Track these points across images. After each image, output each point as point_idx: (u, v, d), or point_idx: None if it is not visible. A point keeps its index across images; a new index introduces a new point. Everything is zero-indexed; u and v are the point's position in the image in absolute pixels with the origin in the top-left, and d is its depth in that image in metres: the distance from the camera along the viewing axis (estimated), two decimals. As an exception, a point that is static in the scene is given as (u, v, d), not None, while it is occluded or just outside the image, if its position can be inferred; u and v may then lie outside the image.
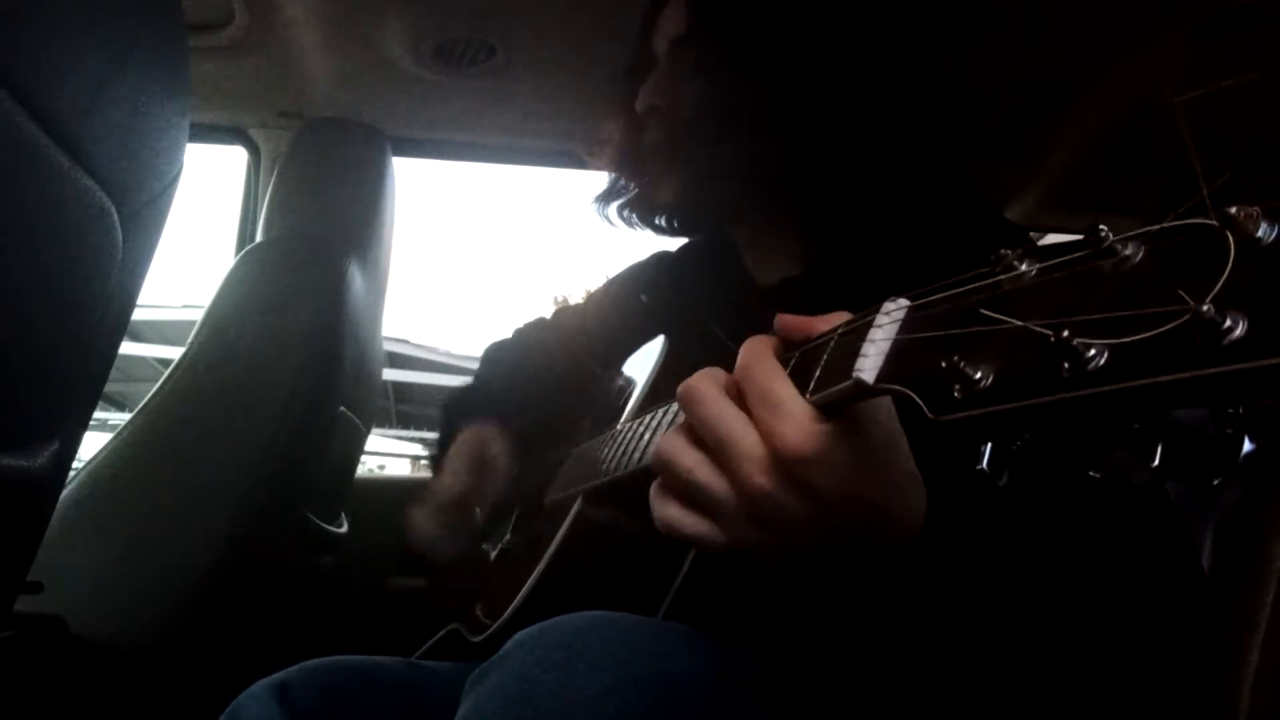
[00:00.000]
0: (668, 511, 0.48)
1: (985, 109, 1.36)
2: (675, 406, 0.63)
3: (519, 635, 0.54)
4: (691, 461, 0.46)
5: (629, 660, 0.52)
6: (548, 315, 1.18)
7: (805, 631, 0.62)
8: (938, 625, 0.51)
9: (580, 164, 1.66)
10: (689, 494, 0.47)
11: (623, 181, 0.91)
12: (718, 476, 0.45)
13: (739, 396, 0.45)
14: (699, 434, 0.46)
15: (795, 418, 0.42)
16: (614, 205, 0.91)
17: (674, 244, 0.99)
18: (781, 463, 0.42)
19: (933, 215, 0.72)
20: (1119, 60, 1.23)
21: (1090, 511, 0.52)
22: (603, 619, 0.55)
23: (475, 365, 1.20)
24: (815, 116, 0.73)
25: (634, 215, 0.90)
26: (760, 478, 0.43)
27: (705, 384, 0.47)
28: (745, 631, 0.60)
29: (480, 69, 1.31)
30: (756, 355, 0.45)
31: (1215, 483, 0.32)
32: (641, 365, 0.87)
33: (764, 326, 0.50)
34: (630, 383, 0.87)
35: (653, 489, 0.49)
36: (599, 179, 0.94)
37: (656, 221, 0.89)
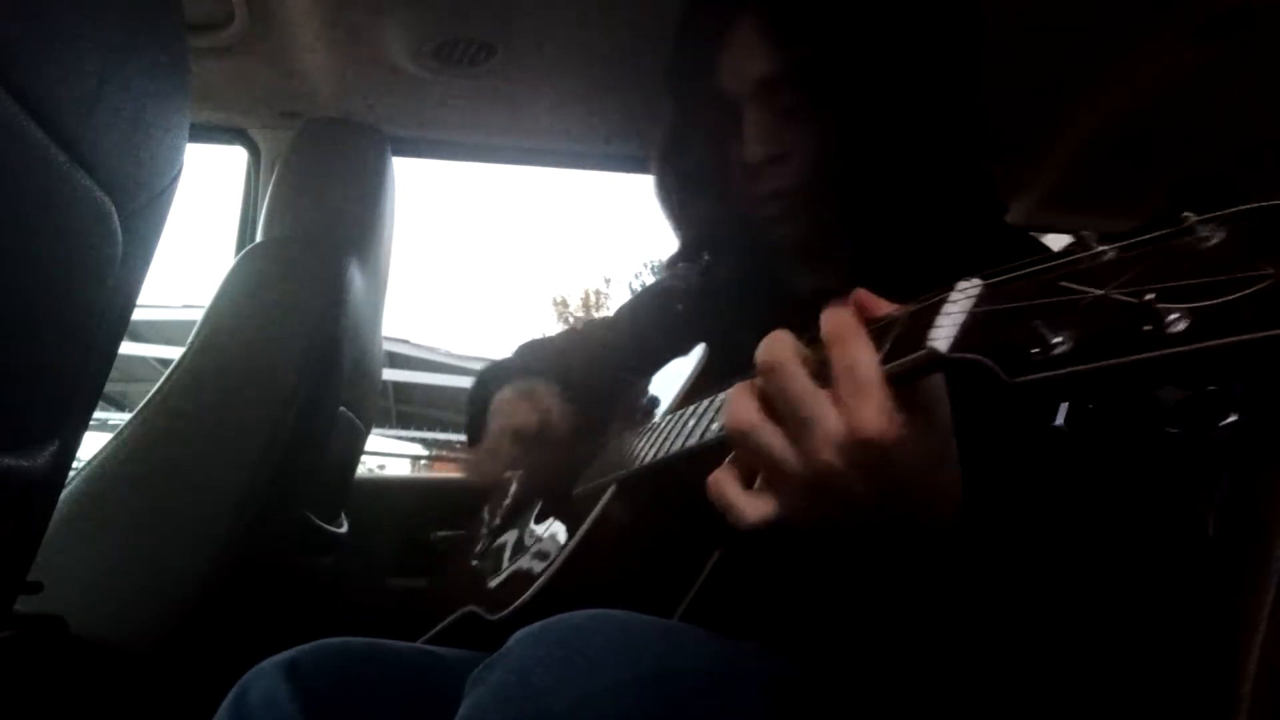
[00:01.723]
0: (726, 480, 0.47)
1: (985, 109, 1.36)
2: (719, 399, 0.63)
3: (520, 633, 0.54)
4: (769, 435, 0.45)
5: (630, 658, 0.52)
6: (579, 326, 1.19)
7: (820, 635, 0.62)
8: (962, 608, 0.51)
9: (580, 164, 1.66)
10: (758, 463, 0.46)
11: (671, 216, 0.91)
12: (791, 450, 0.44)
13: (818, 365, 0.45)
14: (775, 405, 0.45)
15: (879, 399, 0.42)
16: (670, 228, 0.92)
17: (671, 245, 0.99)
18: (857, 444, 0.42)
19: (969, 224, 0.74)
20: (1119, 60, 1.23)
21: (1142, 483, 0.52)
22: (604, 617, 0.55)
23: (475, 365, 1.21)
24: (880, 140, 0.73)
25: (677, 253, 0.92)
26: (834, 457, 0.42)
27: (786, 353, 0.45)
28: (761, 634, 0.60)
29: (480, 69, 1.31)
30: (848, 327, 0.44)
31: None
32: (674, 376, 0.87)
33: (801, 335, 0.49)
34: (656, 400, 0.87)
35: (720, 468, 0.49)
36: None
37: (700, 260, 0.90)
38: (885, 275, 0.73)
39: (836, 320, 0.44)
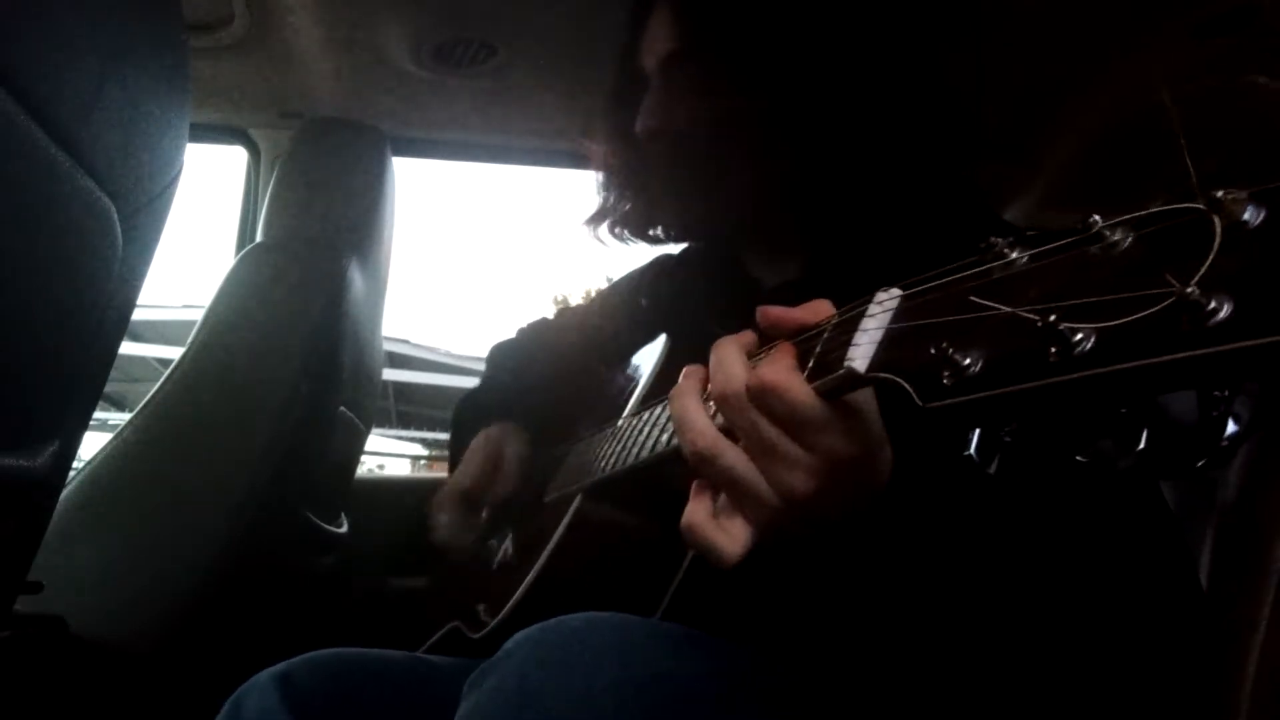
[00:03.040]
0: (698, 522, 0.48)
1: (985, 109, 1.36)
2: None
3: (518, 635, 0.54)
4: (733, 458, 0.46)
5: (627, 660, 0.52)
6: (550, 316, 1.19)
7: (801, 630, 0.62)
8: (911, 588, 0.52)
9: (580, 164, 1.66)
10: (722, 484, 0.47)
11: (613, 200, 0.90)
12: (758, 475, 0.45)
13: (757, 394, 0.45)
14: (740, 433, 0.46)
15: (828, 429, 0.43)
16: (605, 225, 0.91)
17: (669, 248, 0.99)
18: (825, 467, 0.43)
19: (932, 217, 0.72)
20: (1119, 60, 1.23)
21: (1078, 503, 0.52)
22: (601, 619, 0.55)
23: (475, 365, 1.21)
24: (816, 125, 0.72)
25: (626, 232, 0.90)
26: (802, 482, 0.44)
27: (739, 379, 0.46)
28: (743, 631, 0.60)
29: (480, 69, 1.31)
30: (780, 373, 0.45)
31: (1199, 465, 0.32)
32: (644, 363, 0.87)
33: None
34: (633, 379, 0.87)
35: (689, 505, 0.49)
36: (596, 196, 0.94)
37: (652, 234, 0.89)
38: (846, 270, 0.72)
39: (770, 373, 0.45)
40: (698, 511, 0.48)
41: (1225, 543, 0.60)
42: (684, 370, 0.53)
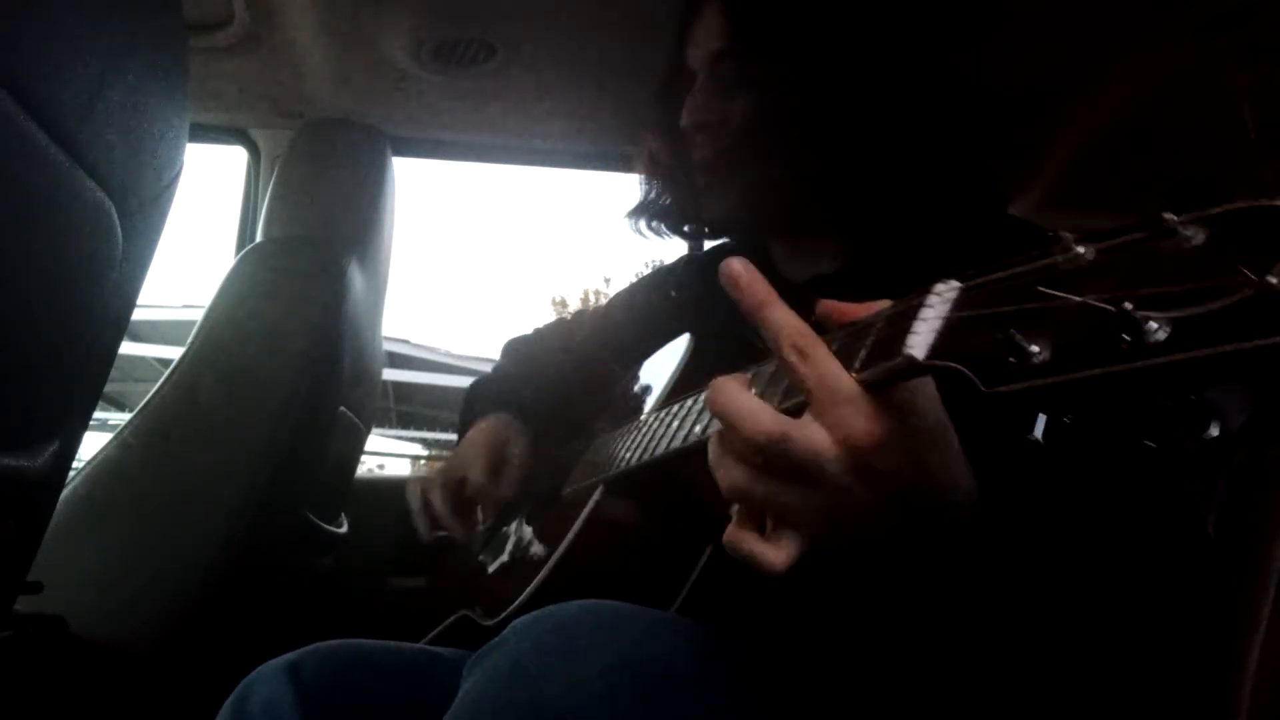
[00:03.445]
0: (741, 536, 0.45)
1: (986, 108, 1.36)
2: (702, 397, 0.63)
3: (515, 622, 0.56)
4: (766, 488, 0.44)
5: (621, 645, 0.53)
6: (569, 317, 1.20)
7: (819, 629, 0.63)
8: (979, 606, 0.50)
9: (580, 164, 1.66)
10: (766, 511, 0.45)
11: (655, 194, 0.92)
12: (794, 491, 0.43)
13: (771, 382, 0.44)
14: (758, 459, 0.44)
15: (857, 405, 0.41)
16: (645, 218, 0.93)
17: (670, 245, 0.99)
18: (850, 454, 0.41)
19: (962, 212, 0.73)
20: (1119, 60, 1.23)
21: (1121, 496, 0.52)
22: (597, 606, 0.56)
23: (475, 365, 1.21)
24: (855, 121, 0.74)
25: (664, 226, 0.92)
26: (837, 476, 0.42)
27: (741, 402, 0.44)
28: (759, 629, 0.61)
29: (480, 69, 1.31)
30: (805, 339, 0.43)
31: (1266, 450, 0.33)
32: (663, 365, 0.87)
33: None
34: (647, 388, 0.87)
35: (731, 526, 0.47)
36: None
37: (689, 229, 0.90)
38: (877, 266, 0.73)
39: (791, 332, 0.43)
40: (742, 529, 0.46)
41: (1225, 541, 0.60)
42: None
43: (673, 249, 0.97)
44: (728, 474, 0.45)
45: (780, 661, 0.59)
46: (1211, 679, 0.53)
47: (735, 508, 0.47)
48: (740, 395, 0.45)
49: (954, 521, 0.45)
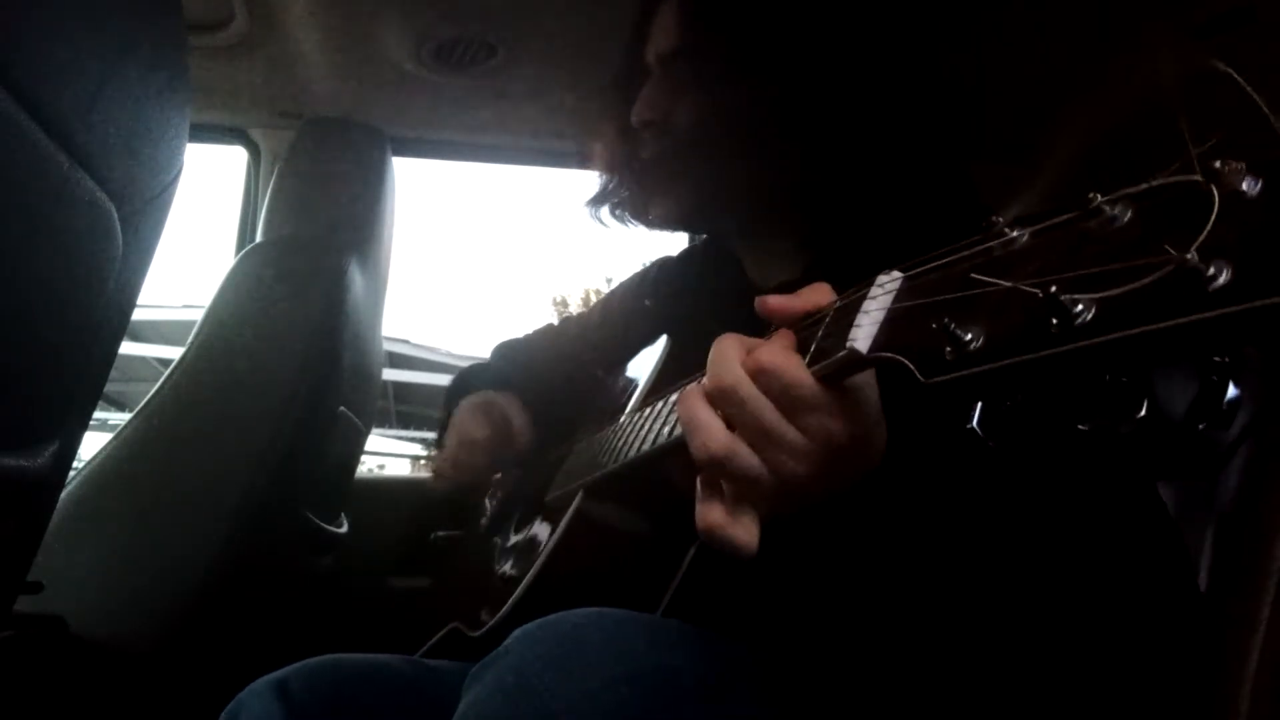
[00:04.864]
0: (716, 522, 0.47)
1: (985, 109, 1.36)
2: (674, 398, 0.63)
3: (518, 631, 0.55)
4: (746, 458, 0.46)
5: (626, 655, 0.52)
6: (555, 323, 1.20)
7: (801, 623, 0.63)
8: (911, 568, 0.53)
9: (580, 164, 1.66)
10: (732, 482, 0.47)
11: (614, 184, 0.91)
12: (763, 467, 0.45)
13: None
14: (740, 425, 0.46)
15: (824, 409, 0.44)
16: (606, 207, 0.92)
17: (669, 240, 1.00)
18: (815, 451, 0.44)
19: (928, 215, 0.72)
20: (1119, 60, 1.23)
21: (1077, 490, 0.53)
22: (601, 615, 0.55)
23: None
24: (813, 126, 0.73)
25: (626, 215, 0.90)
26: (798, 466, 0.44)
27: (737, 372, 0.46)
28: (744, 628, 0.61)
29: (480, 69, 1.31)
30: (778, 356, 0.45)
31: (1200, 427, 0.33)
32: (644, 366, 0.87)
33: (765, 327, 0.50)
34: (632, 383, 0.87)
35: (699, 505, 0.49)
36: (597, 179, 0.94)
37: (650, 218, 0.89)
38: (839, 266, 0.72)
39: (766, 356, 0.45)
40: (713, 511, 0.47)
41: (1225, 543, 0.60)
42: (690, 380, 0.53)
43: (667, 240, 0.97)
44: (709, 434, 0.47)
45: (784, 668, 0.59)
46: (1211, 679, 0.53)
47: (699, 485, 0.48)
48: (735, 357, 0.47)
49: (861, 472, 0.48)
